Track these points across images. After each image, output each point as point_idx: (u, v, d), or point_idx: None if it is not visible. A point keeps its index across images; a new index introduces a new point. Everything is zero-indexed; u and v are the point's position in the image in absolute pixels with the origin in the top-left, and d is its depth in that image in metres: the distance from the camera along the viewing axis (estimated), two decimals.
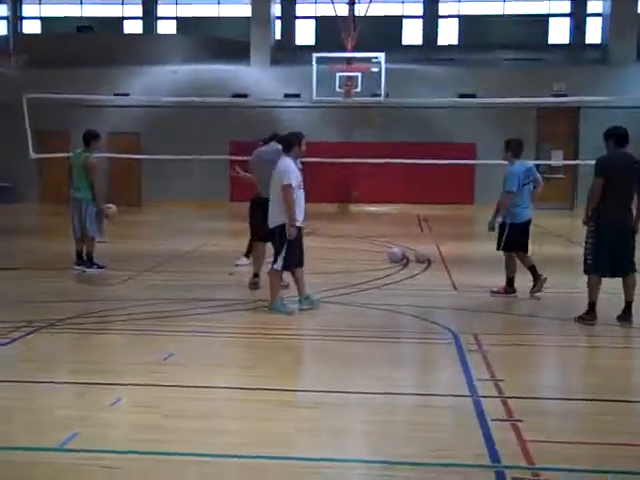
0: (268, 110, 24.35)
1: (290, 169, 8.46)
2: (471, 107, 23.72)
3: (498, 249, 9.85)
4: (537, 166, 23.71)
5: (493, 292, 9.83)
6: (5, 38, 12.70)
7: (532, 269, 9.74)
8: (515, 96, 20.89)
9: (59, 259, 12.62)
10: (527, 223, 9.83)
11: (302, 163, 9.25)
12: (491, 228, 9.79)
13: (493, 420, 5.21)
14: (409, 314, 8.74)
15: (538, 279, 9.66)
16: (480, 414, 5.35)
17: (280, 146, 9.03)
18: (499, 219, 9.78)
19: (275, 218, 8.59)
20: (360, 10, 22.94)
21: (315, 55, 20.47)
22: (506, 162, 9.88)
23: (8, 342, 7.21)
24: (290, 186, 8.38)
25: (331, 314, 8.73)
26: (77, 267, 11.38)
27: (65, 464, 4.51)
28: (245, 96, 24.56)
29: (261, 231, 9.47)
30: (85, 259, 11.45)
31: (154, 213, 23.05)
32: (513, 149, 9.77)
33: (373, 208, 24.05)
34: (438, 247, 14.42)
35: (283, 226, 8.47)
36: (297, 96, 24.09)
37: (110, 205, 11.67)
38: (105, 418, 5.26)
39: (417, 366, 7.10)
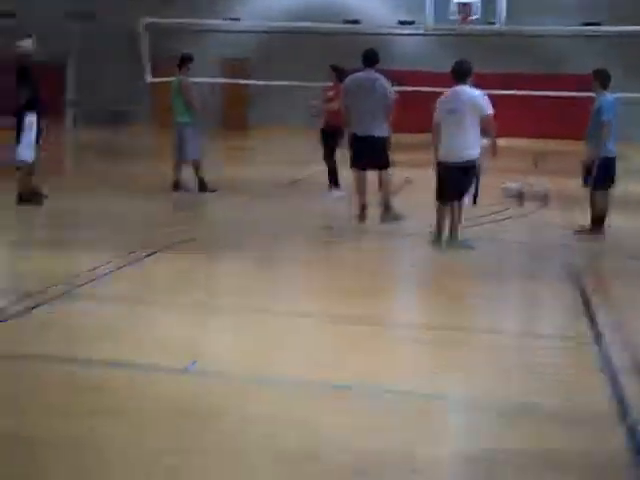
0: (380, 37, 23.79)
1: (486, 98, 8.26)
2: (596, 35, 22.55)
3: (589, 186, 9.27)
4: None
5: (577, 232, 9.32)
6: None
7: (601, 213, 9.19)
8: None
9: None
10: (615, 159, 9.32)
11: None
12: (590, 162, 9.23)
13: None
14: (528, 251, 8.46)
15: (599, 227, 9.13)
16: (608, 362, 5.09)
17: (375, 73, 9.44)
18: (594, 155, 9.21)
19: (468, 151, 8.22)
20: None
21: None
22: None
23: (131, 263, 7.28)
24: (492, 115, 8.18)
25: (446, 251, 8.46)
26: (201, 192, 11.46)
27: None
28: (357, 22, 24.05)
29: (360, 160, 9.60)
30: (198, 185, 11.48)
31: (261, 137, 23.10)
32: (602, 80, 9.23)
33: (485, 140, 23.34)
34: (554, 183, 13.86)
35: (475, 160, 8.28)
36: (411, 23, 23.44)
37: None
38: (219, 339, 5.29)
39: (541, 306, 6.80)
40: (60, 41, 24.06)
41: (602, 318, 5.97)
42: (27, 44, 9.89)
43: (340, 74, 11.67)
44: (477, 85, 8.58)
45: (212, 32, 24.93)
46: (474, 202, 8.86)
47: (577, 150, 21.29)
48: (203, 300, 6.23)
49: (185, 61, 11.55)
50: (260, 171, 15.17)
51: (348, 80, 9.85)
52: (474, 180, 8.82)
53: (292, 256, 8.04)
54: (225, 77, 23.59)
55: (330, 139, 11.68)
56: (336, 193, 11.66)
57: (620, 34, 21.22)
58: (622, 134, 9.58)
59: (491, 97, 8.54)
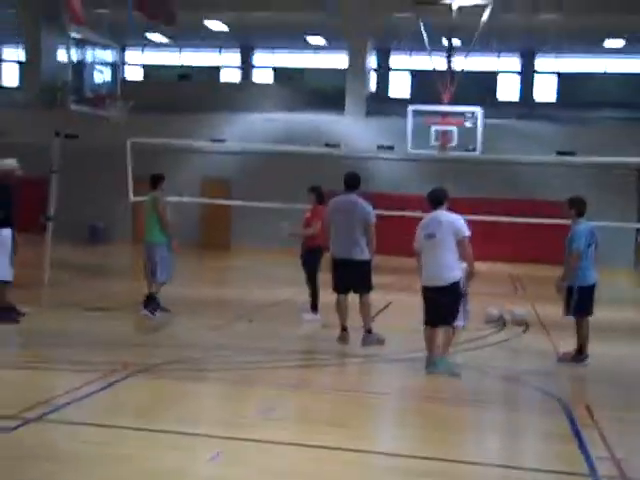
0: (361, 161, 24.28)
1: (462, 221, 8.41)
2: (569, 165, 23.16)
3: (567, 314, 9.32)
4: (638, 230, 23.51)
5: (560, 358, 9.32)
6: (110, 84, 13.00)
7: (584, 341, 9.21)
8: (615, 156, 20.27)
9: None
10: (594, 286, 9.35)
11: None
12: (559, 290, 9.36)
13: None
14: (512, 378, 8.33)
15: (581, 354, 9.14)
16: None
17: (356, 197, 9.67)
18: (565, 283, 9.28)
19: (449, 273, 8.30)
20: (457, 64, 22.81)
21: (411, 108, 20.36)
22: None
23: (105, 386, 7.11)
24: (469, 237, 8.30)
25: (432, 375, 8.37)
26: (144, 310, 11.08)
27: None
28: (338, 146, 24.57)
29: (341, 283, 9.65)
30: (147, 301, 11.14)
31: (243, 258, 23.13)
32: (578, 208, 9.35)
33: (463, 265, 23.54)
34: (535, 309, 13.89)
35: (459, 282, 8.35)
36: (391, 148, 23.98)
37: None
38: (204, 474, 5.04)
39: (529, 437, 6.65)
40: (44, 157, 24.43)
41: (594, 451, 5.82)
42: (9, 163, 9.92)
43: (319, 196, 11.78)
44: (453, 209, 8.75)
45: (195, 152, 25.33)
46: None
47: (554, 275, 21.86)
48: (186, 428, 6.01)
49: (158, 180, 11.36)
50: (238, 292, 15.06)
51: (330, 203, 9.95)
52: (462, 302, 8.78)
53: (273, 380, 7.86)
54: (207, 197, 23.82)
55: (310, 262, 11.65)
56: (310, 316, 11.54)
57: (594, 165, 21.87)
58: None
59: (469, 222, 8.66)
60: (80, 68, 12.61)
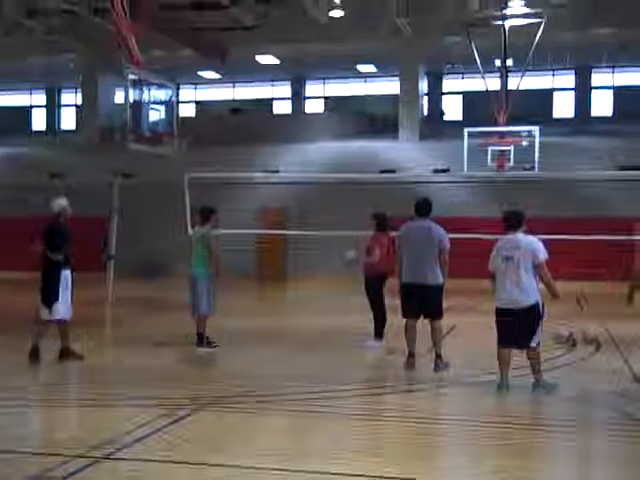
0: (417, 185, 24.14)
1: (540, 244, 8.42)
2: (630, 180, 22.65)
3: None
4: None
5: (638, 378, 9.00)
6: (166, 121, 13.18)
7: None
8: None
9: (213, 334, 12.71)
10: None
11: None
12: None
13: None
14: (589, 400, 8.01)
15: None
16: None
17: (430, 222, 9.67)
18: None
19: (529, 295, 8.32)
20: (511, 83, 22.59)
21: (467, 130, 20.23)
22: None
23: (173, 421, 7.04)
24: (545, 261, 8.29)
25: (509, 398, 8.13)
26: (198, 347, 11.05)
27: None
28: (393, 172, 24.50)
29: (413, 309, 9.57)
30: (197, 338, 11.11)
31: (300, 288, 23.07)
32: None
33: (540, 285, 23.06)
34: (605, 327, 13.49)
35: (537, 304, 8.32)
36: (446, 171, 23.81)
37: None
38: None
39: (627, 467, 6.19)
40: (103, 197, 24.87)
41: None
42: (61, 203, 10.02)
43: (382, 222, 11.68)
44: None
45: (252, 184, 25.49)
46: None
47: (619, 292, 21.30)
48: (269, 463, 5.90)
49: (210, 214, 11.28)
50: (299, 321, 14.95)
51: (403, 229, 9.85)
52: (540, 323, 8.59)
53: (344, 411, 7.70)
54: (264, 227, 23.92)
55: (374, 288, 11.51)
56: (374, 343, 11.39)
57: None
58: None
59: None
60: (137, 108, 12.76)
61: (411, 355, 9.60)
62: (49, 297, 9.76)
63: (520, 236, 8.50)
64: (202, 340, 11.07)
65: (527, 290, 8.28)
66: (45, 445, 6.40)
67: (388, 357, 10.64)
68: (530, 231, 8.71)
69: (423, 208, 9.76)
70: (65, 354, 9.96)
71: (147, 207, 25.60)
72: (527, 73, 23.51)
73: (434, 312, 9.61)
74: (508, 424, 7.22)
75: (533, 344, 8.44)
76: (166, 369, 9.82)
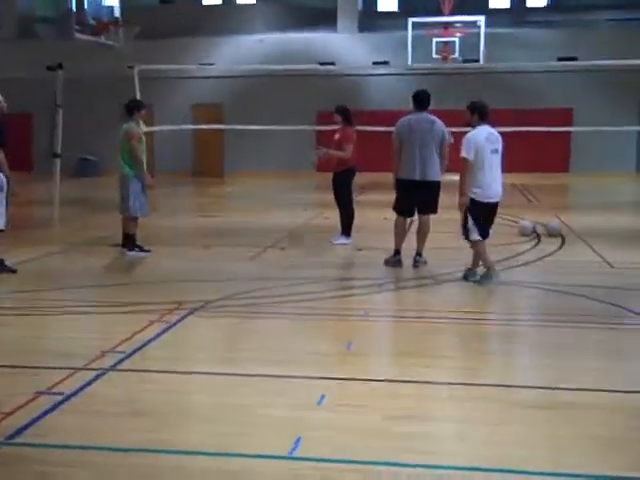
0: (356, 78, 23.62)
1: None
2: (570, 71, 22.63)
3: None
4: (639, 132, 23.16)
5: None
6: (111, 9, 12.28)
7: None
8: (616, 58, 19.69)
9: (172, 234, 12.31)
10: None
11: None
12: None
13: None
14: (578, 294, 8.00)
15: None
16: None
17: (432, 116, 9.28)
18: None
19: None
20: None
21: (411, 20, 19.71)
22: None
23: (167, 328, 6.72)
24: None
25: (496, 294, 8.08)
26: (122, 249, 10.48)
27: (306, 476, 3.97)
28: (332, 64, 23.80)
29: (410, 206, 9.40)
30: (123, 239, 10.51)
31: (240, 184, 22.61)
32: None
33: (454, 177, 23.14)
34: (560, 219, 13.59)
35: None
36: (386, 63, 23.26)
37: None
38: (323, 419, 4.69)
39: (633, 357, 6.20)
40: (27, 93, 23.54)
41: None
42: None
43: (347, 115, 11.30)
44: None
45: (185, 78, 24.51)
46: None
47: (559, 184, 21.65)
48: (274, 370, 5.66)
49: (134, 108, 10.37)
50: (253, 219, 14.56)
51: (402, 123, 9.38)
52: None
53: (337, 311, 7.51)
54: (199, 123, 23.11)
55: (342, 184, 11.22)
56: (342, 240, 11.21)
57: (594, 69, 21.35)
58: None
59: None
60: None
61: (398, 252, 9.41)
62: None
63: (493, 129, 8.38)
64: (133, 243, 10.41)
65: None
66: (41, 359, 5.99)
67: (361, 254, 10.46)
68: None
69: (424, 100, 9.32)
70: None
71: (76, 104, 24.36)
72: None
73: (430, 208, 9.39)
74: (511, 320, 7.17)
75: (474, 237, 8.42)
76: (138, 272, 9.42)
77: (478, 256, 8.48)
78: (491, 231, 8.60)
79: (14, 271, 9.11)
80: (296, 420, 4.64)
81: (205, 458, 4.17)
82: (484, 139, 8.21)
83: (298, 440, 4.31)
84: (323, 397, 5.00)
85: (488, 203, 8.30)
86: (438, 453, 4.20)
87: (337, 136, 11.21)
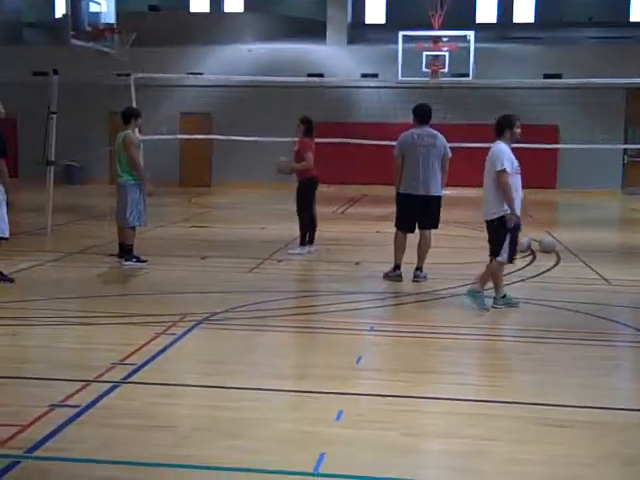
0: (345, 90, 23.70)
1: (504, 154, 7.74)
2: (555, 88, 22.87)
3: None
4: (624, 150, 23.39)
5: None
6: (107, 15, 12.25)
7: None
8: (601, 76, 19.91)
9: (165, 245, 12.27)
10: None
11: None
12: None
13: None
14: (579, 311, 8.05)
15: None
16: None
17: (434, 130, 9.30)
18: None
19: (492, 209, 7.81)
20: None
21: (401, 33, 19.80)
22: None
23: (174, 341, 6.69)
24: (504, 171, 7.63)
25: (502, 311, 8.06)
26: (117, 259, 10.40)
27: None
28: (321, 75, 23.90)
29: (411, 221, 9.38)
30: (119, 249, 10.44)
31: (228, 195, 22.55)
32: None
33: (448, 192, 23.23)
34: (552, 235, 13.67)
35: (502, 217, 7.71)
36: (375, 76, 23.39)
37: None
38: (343, 435, 4.70)
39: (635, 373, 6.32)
40: (11, 97, 23.34)
41: None
42: None
43: (310, 127, 11.33)
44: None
45: (175, 87, 24.45)
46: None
47: (551, 200, 21.76)
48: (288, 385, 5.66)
49: (131, 116, 10.36)
50: (246, 230, 14.52)
51: (407, 136, 9.37)
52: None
53: (343, 325, 7.53)
54: (187, 132, 23.04)
55: (304, 194, 11.32)
56: (298, 250, 11.32)
57: (580, 86, 21.54)
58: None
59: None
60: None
61: (398, 267, 9.43)
62: None
63: (495, 145, 7.90)
64: (130, 253, 10.31)
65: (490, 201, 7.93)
66: (50, 370, 5.94)
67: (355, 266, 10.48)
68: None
69: (425, 114, 9.36)
70: None
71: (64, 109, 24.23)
72: None
73: (431, 223, 9.40)
74: (520, 337, 7.21)
75: (500, 258, 7.97)
76: (141, 283, 9.38)
77: (492, 276, 8.07)
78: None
79: (12, 280, 9.04)
80: (317, 436, 4.64)
81: (228, 474, 4.16)
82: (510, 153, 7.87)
83: (322, 456, 4.31)
84: (341, 412, 5.00)
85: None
86: (460, 469, 4.22)
87: (297, 147, 11.34)
